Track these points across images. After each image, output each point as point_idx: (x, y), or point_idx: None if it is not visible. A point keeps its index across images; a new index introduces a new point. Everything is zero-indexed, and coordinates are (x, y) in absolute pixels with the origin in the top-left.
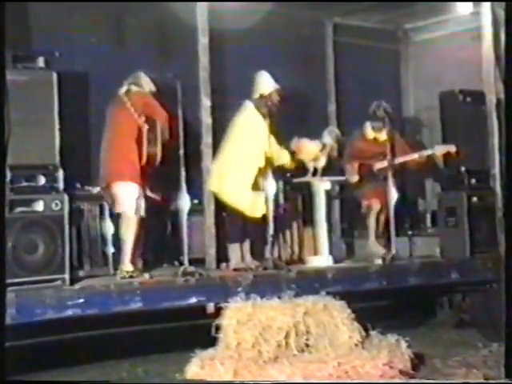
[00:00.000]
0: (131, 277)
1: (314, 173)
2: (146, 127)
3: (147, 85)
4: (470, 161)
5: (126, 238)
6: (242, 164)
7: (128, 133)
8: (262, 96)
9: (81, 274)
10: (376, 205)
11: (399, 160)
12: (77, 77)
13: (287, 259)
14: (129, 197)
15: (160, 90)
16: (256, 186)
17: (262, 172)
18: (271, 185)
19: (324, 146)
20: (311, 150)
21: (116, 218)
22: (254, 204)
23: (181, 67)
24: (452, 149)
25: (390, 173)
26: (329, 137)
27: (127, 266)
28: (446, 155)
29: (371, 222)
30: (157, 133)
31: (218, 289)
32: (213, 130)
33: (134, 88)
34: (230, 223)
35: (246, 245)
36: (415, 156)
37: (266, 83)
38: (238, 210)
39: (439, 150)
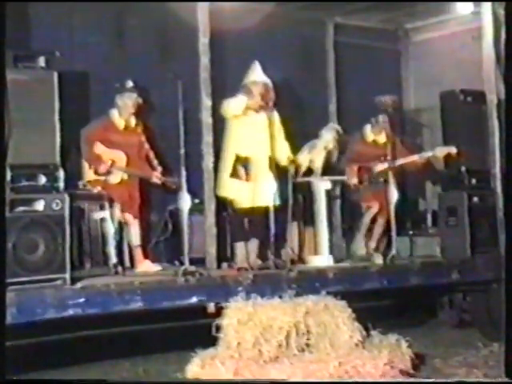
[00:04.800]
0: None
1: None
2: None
3: (125, 110)
4: (471, 161)
5: None
6: (223, 152)
7: None
8: (244, 86)
9: (81, 273)
10: (375, 206)
11: (399, 162)
12: (77, 77)
13: (288, 259)
14: None
15: (146, 102)
16: (236, 174)
17: (242, 160)
18: (270, 183)
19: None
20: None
21: None
22: (237, 192)
23: (181, 67)
24: (453, 150)
25: (390, 174)
26: (328, 134)
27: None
28: (447, 156)
29: (364, 221)
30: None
31: (218, 288)
32: (213, 130)
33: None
34: (232, 222)
35: (253, 244)
36: (416, 157)
37: (250, 73)
38: (233, 204)
39: (440, 152)
